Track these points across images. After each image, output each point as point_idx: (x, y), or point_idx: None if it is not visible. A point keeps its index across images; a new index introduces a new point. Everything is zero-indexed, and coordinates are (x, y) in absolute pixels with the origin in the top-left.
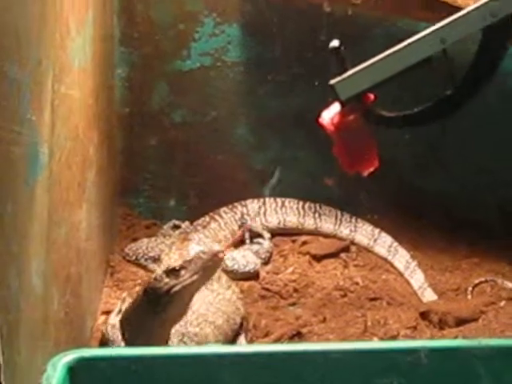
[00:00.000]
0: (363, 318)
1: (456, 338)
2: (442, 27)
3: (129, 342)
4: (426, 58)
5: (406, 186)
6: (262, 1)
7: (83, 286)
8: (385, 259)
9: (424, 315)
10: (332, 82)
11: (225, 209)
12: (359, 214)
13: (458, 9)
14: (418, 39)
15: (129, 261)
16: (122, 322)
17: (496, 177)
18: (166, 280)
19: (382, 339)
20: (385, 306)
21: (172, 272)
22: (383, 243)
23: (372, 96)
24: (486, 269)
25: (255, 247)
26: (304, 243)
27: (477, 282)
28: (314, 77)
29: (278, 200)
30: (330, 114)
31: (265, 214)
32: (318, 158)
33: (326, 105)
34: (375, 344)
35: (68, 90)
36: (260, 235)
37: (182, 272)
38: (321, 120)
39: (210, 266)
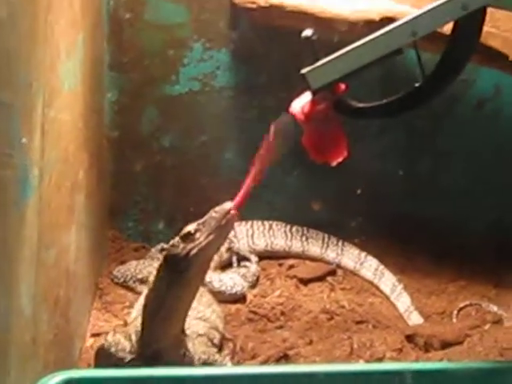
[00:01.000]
0: (349, 341)
1: (441, 360)
2: (414, 19)
3: (149, 319)
4: (397, 50)
5: (392, 209)
6: (249, 27)
7: (72, 308)
8: (371, 282)
9: (410, 338)
10: (303, 70)
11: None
12: (346, 237)
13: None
14: (390, 30)
15: (117, 283)
16: (146, 298)
17: (481, 201)
18: (183, 245)
19: (368, 361)
20: (371, 329)
21: (187, 236)
22: (369, 266)
23: (343, 86)
24: (472, 292)
25: (242, 270)
26: (291, 267)
27: (462, 305)
28: None
29: (266, 223)
30: (300, 103)
31: (252, 236)
32: (305, 182)
33: (297, 94)
34: (361, 366)
35: (58, 113)
36: (247, 258)
37: (198, 235)
38: (291, 109)
39: (223, 225)
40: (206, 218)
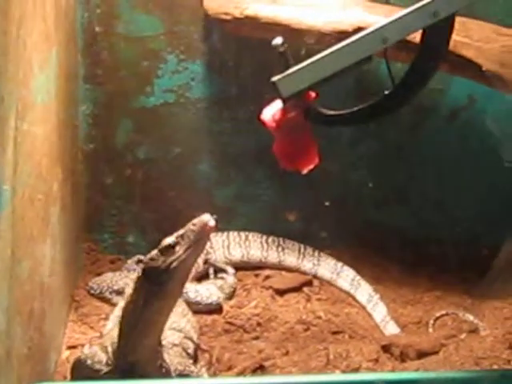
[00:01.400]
0: (325, 351)
1: (417, 370)
2: (384, 26)
3: (127, 331)
4: (367, 57)
5: (367, 221)
6: (224, 38)
7: (47, 321)
8: (347, 293)
9: (386, 348)
10: (274, 78)
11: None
12: (321, 248)
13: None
14: (360, 38)
15: (93, 294)
16: (123, 310)
17: (454, 211)
18: (163, 258)
19: (344, 372)
20: (347, 340)
21: (167, 249)
22: (346, 277)
23: (313, 94)
24: (448, 302)
25: (219, 282)
26: (267, 277)
27: (438, 315)
28: None
29: (242, 234)
30: (271, 111)
31: (228, 247)
32: (279, 193)
33: (268, 102)
34: (336, 377)
35: (31, 126)
36: (224, 270)
37: (177, 248)
38: (262, 117)
39: (202, 237)
40: (184, 230)
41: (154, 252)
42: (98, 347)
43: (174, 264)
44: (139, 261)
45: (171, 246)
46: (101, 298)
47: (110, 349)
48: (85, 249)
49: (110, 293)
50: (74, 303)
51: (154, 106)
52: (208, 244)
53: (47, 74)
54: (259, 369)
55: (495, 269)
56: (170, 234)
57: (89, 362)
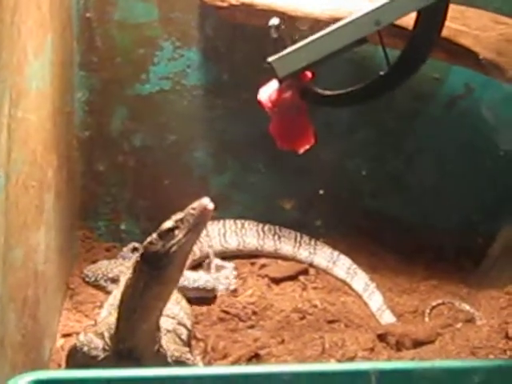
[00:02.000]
0: (321, 340)
1: (413, 359)
2: (378, 9)
3: (125, 317)
4: (362, 39)
5: (363, 209)
6: (220, 25)
7: (41, 309)
8: (344, 281)
9: (381, 337)
10: (270, 59)
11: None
12: (316, 237)
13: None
14: (354, 20)
15: (88, 282)
16: (122, 295)
17: (452, 200)
18: (162, 242)
19: (339, 361)
20: (343, 328)
21: (166, 233)
22: (342, 265)
23: (309, 74)
24: (444, 291)
25: (215, 274)
26: (263, 266)
27: (434, 304)
28: None
29: (238, 222)
30: (267, 91)
31: (224, 235)
32: (276, 181)
33: (264, 82)
34: (328, 366)
35: (25, 113)
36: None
37: (176, 232)
38: (258, 97)
39: (201, 221)
40: (183, 214)
41: (153, 236)
42: (93, 334)
43: (174, 248)
44: (134, 248)
45: (170, 230)
46: (96, 285)
47: (106, 334)
48: (80, 236)
49: (105, 280)
50: (69, 291)
51: (150, 93)
52: (204, 232)
53: (42, 61)
54: (254, 357)
55: (490, 258)
56: (164, 221)
57: (85, 348)
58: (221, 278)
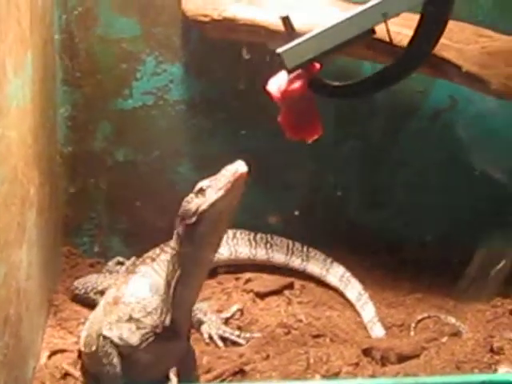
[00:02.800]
0: (306, 356)
1: (397, 374)
2: (385, 1)
3: (169, 285)
4: (368, 30)
5: (349, 222)
6: (202, 40)
7: (24, 327)
8: (337, 289)
9: (366, 352)
10: (279, 50)
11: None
12: None
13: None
14: (361, 12)
15: (77, 294)
16: (168, 264)
17: (437, 213)
18: (196, 200)
19: (324, 376)
20: (328, 343)
21: (199, 192)
22: (335, 273)
23: (318, 65)
24: (430, 304)
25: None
26: (248, 281)
27: (420, 317)
28: (257, 114)
29: (230, 231)
30: (276, 82)
31: None
32: (261, 194)
33: (274, 72)
34: (313, 382)
35: (5, 131)
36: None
37: (208, 191)
38: (268, 87)
39: (233, 184)
40: (217, 175)
41: (190, 195)
42: (117, 324)
43: (203, 206)
44: (119, 262)
45: (203, 190)
46: (85, 298)
47: (141, 314)
48: (64, 252)
49: (95, 293)
50: (53, 308)
51: (133, 108)
52: None
53: (22, 78)
54: (239, 373)
55: (467, 277)
56: (150, 237)
57: (121, 343)
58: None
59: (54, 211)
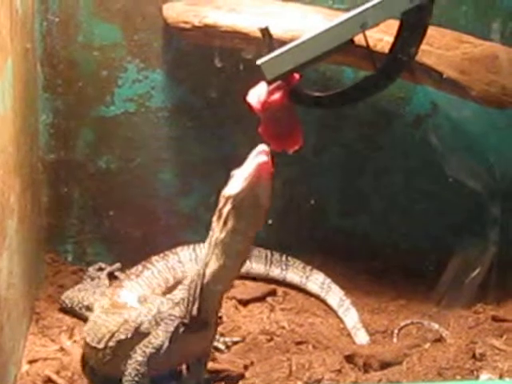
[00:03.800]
0: (288, 362)
1: (380, 381)
2: (363, 11)
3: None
4: (347, 41)
5: (331, 229)
6: (184, 46)
7: (5, 335)
8: (318, 296)
9: (349, 358)
10: (259, 61)
11: (156, 257)
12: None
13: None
14: (340, 23)
15: (64, 309)
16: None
17: (420, 219)
18: (225, 188)
19: (306, 383)
20: (310, 350)
21: (230, 179)
22: (316, 280)
23: (297, 76)
24: (413, 311)
25: None
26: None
27: (403, 324)
28: (239, 121)
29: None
30: (256, 93)
31: (196, 260)
32: None
33: (253, 84)
34: None
35: None
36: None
37: (234, 178)
38: (248, 99)
39: (255, 175)
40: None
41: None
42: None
43: (228, 193)
44: (100, 268)
45: (232, 177)
46: (72, 311)
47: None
48: (46, 260)
49: (80, 308)
50: (35, 315)
51: (115, 115)
52: (176, 258)
53: (2, 85)
54: (223, 380)
55: (442, 286)
56: (132, 244)
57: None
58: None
59: (35, 219)
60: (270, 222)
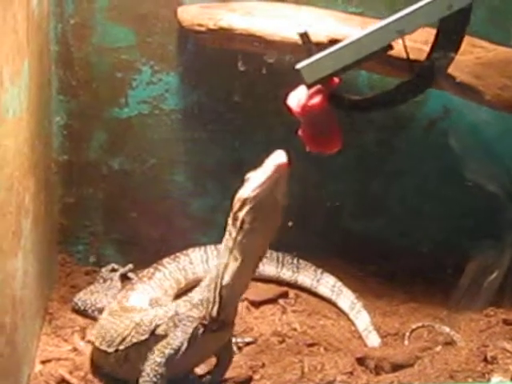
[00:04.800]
0: (300, 364)
1: (391, 383)
2: (401, 18)
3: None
4: (386, 46)
5: (344, 232)
6: (198, 49)
7: (19, 335)
8: (329, 300)
9: (360, 361)
10: (298, 65)
11: (168, 259)
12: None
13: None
14: (378, 29)
15: (77, 311)
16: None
17: (432, 222)
18: (241, 190)
19: None
20: (322, 352)
21: (245, 182)
22: (326, 283)
23: (337, 80)
24: (424, 313)
25: None
26: None
27: (414, 327)
28: (253, 124)
29: (219, 247)
30: (296, 97)
31: (207, 261)
32: None
33: (294, 87)
34: None
35: (1, 140)
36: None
37: (251, 181)
38: (288, 102)
39: (272, 176)
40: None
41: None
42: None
43: (245, 195)
44: (113, 269)
45: (247, 180)
46: (84, 313)
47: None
48: (59, 261)
49: (93, 311)
50: (48, 316)
51: (129, 117)
52: (187, 259)
53: (19, 87)
54: (234, 381)
55: (460, 289)
56: (145, 245)
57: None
58: None
59: (49, 219)
60: (290, 223)
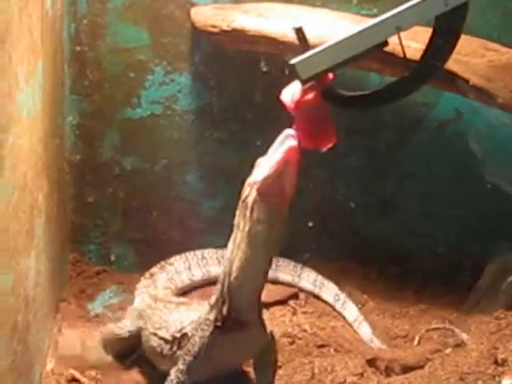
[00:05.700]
0: (310, 365)
1: None
2: (398, 14)
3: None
4: (381, 42)
5: (353, 234)
6: (211, 50)
7: (31, 334)
8: (312, 294)
9: (371, 362)
10: (293, 61)
11: (154, 269)
12: (307, 261)
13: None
14: (375, 24)
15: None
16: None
17: (442, 224)
18: (250, 177)
19: None
20: (332, 353)
21: (255, 168)
22: (307, 278)
23: (331, 76)
24: (433, 315)
25: None
26: None
27: (430, 328)
28: (265, 124)
29: (198, 252)
30: (290, 92)
31: (190, 268)
32: None
33: (288, 83)
34: None
35: (16, 139)
36: None
37: (260, 166)
38: (281, 97)
39: (280, 162)
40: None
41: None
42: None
43: (253, 181)
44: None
45: (257, 165)
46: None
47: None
48: (70, 260)
49: None
50: (59, 314)
51: (141, 117)
52: (173, 269)
53: (33, 87)
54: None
55: (478, 290)
56: (157, 245)
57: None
58: None
59: (61, 219)
60: (310, 224)
